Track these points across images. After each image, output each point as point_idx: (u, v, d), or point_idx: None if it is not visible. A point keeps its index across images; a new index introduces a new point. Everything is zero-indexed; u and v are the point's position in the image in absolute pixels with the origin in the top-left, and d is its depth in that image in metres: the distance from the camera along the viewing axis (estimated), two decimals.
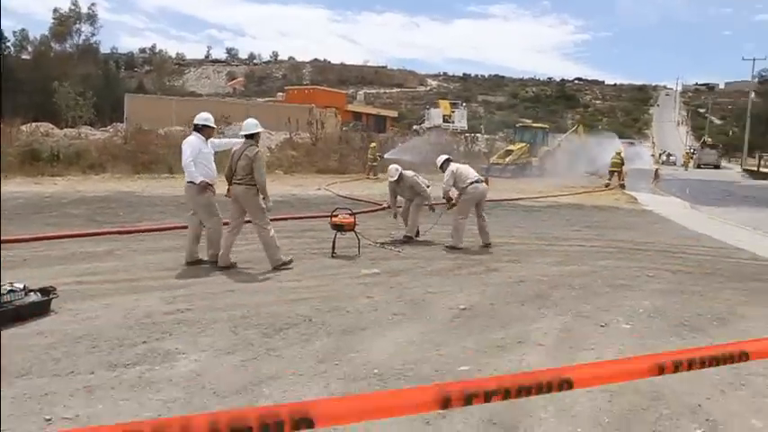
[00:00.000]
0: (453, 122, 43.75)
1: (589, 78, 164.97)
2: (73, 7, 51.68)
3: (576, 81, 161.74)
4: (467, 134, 42.26)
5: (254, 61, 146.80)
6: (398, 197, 10.17)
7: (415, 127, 45.49)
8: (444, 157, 9.98)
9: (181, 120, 30.76)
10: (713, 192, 25.52)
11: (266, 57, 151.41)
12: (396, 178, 9.76)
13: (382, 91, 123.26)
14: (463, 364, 4.39)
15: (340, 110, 44.82)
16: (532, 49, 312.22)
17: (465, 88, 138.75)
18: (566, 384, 1.67)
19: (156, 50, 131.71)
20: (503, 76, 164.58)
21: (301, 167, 27.58)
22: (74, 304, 5.52)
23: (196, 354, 4.40)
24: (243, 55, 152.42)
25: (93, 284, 6.24)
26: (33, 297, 5.20)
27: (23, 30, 73.54)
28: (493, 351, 4.72)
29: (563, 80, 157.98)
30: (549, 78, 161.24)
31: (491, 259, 8.45)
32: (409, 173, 9.98)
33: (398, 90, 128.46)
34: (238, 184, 7.21)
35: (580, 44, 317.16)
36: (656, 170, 35.09)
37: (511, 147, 32.75)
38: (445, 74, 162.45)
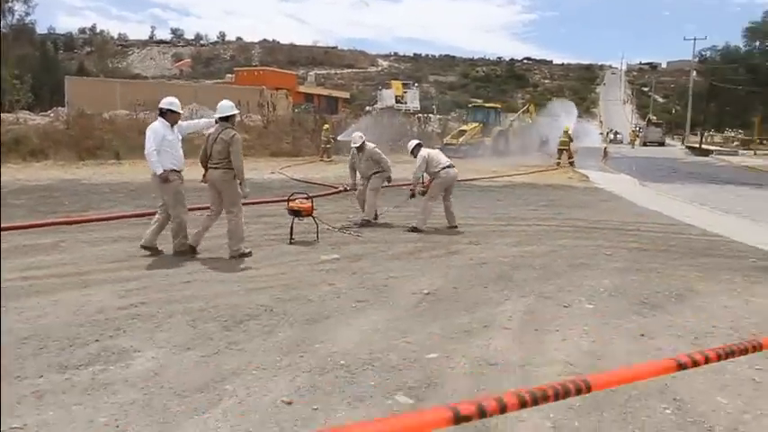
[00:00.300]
0: (406, 103, 43.66)
1: (537, 58, 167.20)
2: None
3: (525, 61, 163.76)
4: (419, 115, 42.29)
5: (201, 42, 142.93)
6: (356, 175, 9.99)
7: (367, 108, 45.16)
8: (415, 142, 9.91)
9: (125, 103, 29.78)
10: (659, 169, 26.25)
11: (213, 37, 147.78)
12: (358, 144, 9.63)
13: (333, 72, 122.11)
14: (431, 351, 4.32)
15: (291, 91, 44.13)
16: (481, 29, 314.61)
17: (416, 68, 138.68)
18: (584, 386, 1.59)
19: (97, 31, 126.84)
20: (453, 56, 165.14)
21: (254, 151, 26.99)
22: (18, 302, 5.20)
23: (153, 351, 4.20)
24: (189, 35, 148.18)
25: (39, 279, 5.91)
26: None
27: None
28: (459, 336, 4.67)
29: (512, 60, 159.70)
30: (499, 58, 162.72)
31: (451, 241, 8.43)
32: (371, 144, 9.81)
33: (349, 71, 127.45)
34: (215, 168, 7.01)
35: (528, 24, 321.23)
36: (605, 149, 35.86)
37: (464, 127, 32.91)
38: (396, 54, 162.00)
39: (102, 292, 5.59)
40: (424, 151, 9.46)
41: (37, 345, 4.27)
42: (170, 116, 7.10)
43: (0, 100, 26.60)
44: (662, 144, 55.31)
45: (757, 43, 54.81)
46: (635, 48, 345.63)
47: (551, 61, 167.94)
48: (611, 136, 63.63)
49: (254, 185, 11.62)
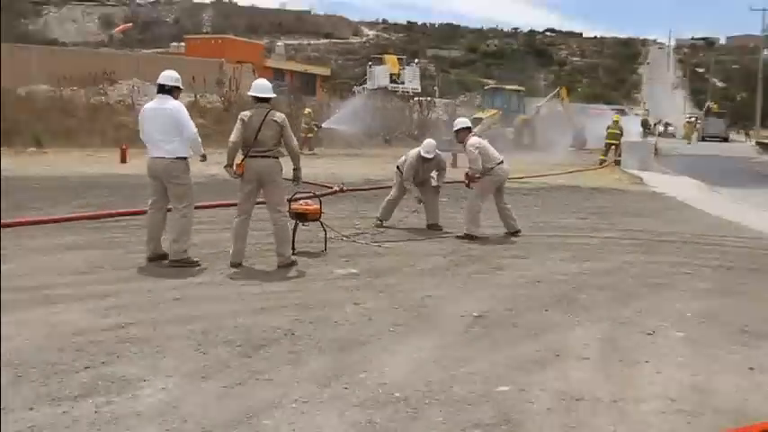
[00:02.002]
0: (403, 83, 44.04)
1: (564, 30, 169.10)
2: None
3: (549, 33, 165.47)
4: (420, 98, 42.68)
5: (137, 2, 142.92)
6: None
7: (355, 88, 45.52)
8: (465, 122, 10.23)
9: (45, 76, 29.62)
10: (728, 170, 26.84)
11: None
12: (432, 156, 10.24)
13: (306, 42, 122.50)
14: (499, 384, 4.53)
15: (257, 66, 44.34)
16: None
17: (410, 40, 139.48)
18: None
19: None
20: (457, 26, 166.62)
21: (212, 140, 27.07)
22: None
23: (161, 380, 4.37)
24: None
25: None
26: None
27: None
28: (529, 367, 4.89)
29: (532, 31, 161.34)
30: (515, 29, 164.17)
31: (492, 254, 8.70)
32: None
33: (327, 41, 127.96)
34: (264, 156, 7.47)
35: None
36: (655, 144, 36.49)
37: (479, 114, 33.35)
38: (385, 21, 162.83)
39: (73, 310, 5.76)
40: (475, 140, 9.80)
41: (13, 372, 4.43)
42: (175, 93, 7.62)
43: None
44: (725, 139, 56.22)
45: None
46: (686, 18, 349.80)
47: (580, 34, 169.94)
48: (660, 128, 64.60)
49: (224, 184, 11.85)
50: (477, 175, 9.70)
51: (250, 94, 7.81)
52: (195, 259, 7.57)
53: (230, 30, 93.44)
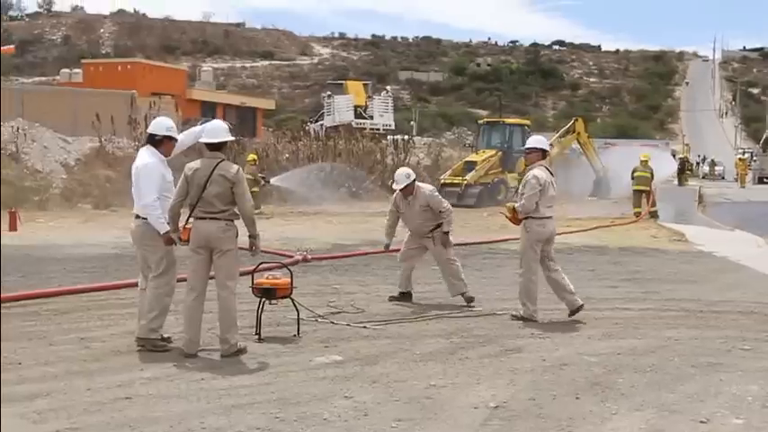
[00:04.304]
0: (371, 117, 45.00)
1: (577, 42, 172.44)
2: None
3: (557, 47, 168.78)
4: (395, 137, 43.46)
5: (11, 13, 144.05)
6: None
7: (309, 125, 46.36)
8: (541, 142, 10.77)
9: None
10: None
11: (32, 6, 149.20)
12: (403, 186, 10.92)
13: (239, 65, 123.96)
14: None
15: (179, 98, 45.15)
16: None
17: (377, 60, 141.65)
18: None
19: None
20: (437, 40, 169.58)
21: (124, 196, 27.54)
22: None
23: None
24: None
25: None
26: None
27: None
28: None
29: (535, 45, 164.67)
30: (513, 43, 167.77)
31: (505, 334, 9.31)
32: (426, 186, 11.36)
33: (267, 63, 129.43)
34: (211, 218, 7.99)
35: None
36: (699, 189, 37.57)
37: (473, 157, 34.22)
38: (343, 36, 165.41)
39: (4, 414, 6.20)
40: (541, 173, 10.13)
41: None
42: (166, 146, 8.36)
43: None
44: None
45: None
46: (735, 23, 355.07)
47: (598, 47, 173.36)
48: (705, 168, 66.16)
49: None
50: (521, 217, 10.18)
51: (203, 140, 8.34)
52: (165, 343, 8.23)
53: (139, 51, 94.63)
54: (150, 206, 8.09)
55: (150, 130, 8.45)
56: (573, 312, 10.21)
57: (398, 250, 11.54)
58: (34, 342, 8.59)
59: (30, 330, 9.18)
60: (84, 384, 7.05)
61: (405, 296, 11.34)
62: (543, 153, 10.54)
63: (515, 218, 10.29)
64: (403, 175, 11.03)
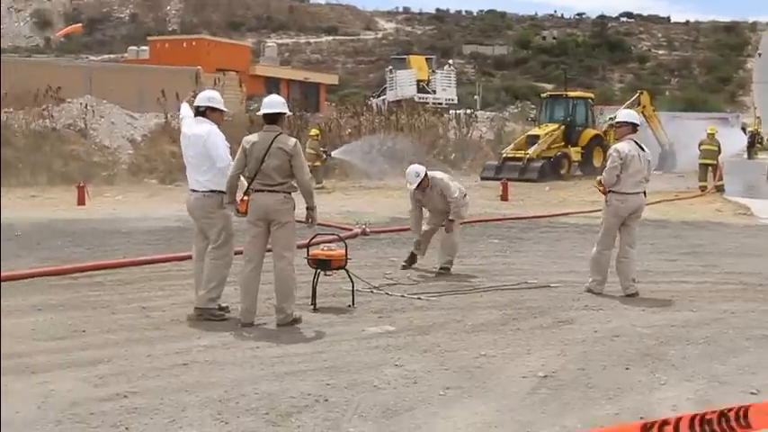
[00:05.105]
0: (434, 92, 44.94)
1: (645, 14, 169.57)
2: None
3: (624, 19, 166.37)
4: (458, 111, 43.40)
5: None
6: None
7: (371, 99, 46.47)
8: (629, 116, 10.74)
9: None
10: None
11: None
12: (415, 185, 11.15)
13: (304, 40, 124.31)
14: None
15: (243, 74, 45.50)
16: None
17: (441, 34, 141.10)
18: None
19: None
20: (502, 14, 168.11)
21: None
22: None
23: None
24: None
25: None
26: None
27: None
28: None
29: (602, 17, 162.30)
30: (579, 15, 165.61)
31: (558, 306, 9.39)
32: (438, 174, 11.51)
33: (331, 39, 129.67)
34: (271, 191, 8.18)
35: None
36: None
37: (535, 131, 34.03)
38: (407, 11, 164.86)
39: (63, 379, 6.47)
40: (625, 146, 10.05)
41: None
42: (217, 116, 8.61)
43: None
44: None
45: None
46: None
47: (667, 18, 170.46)
48: None
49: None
50: (602, 189, 10.19)
51: (260, 113, 8.56)
52: (222, 312, 8.50)
53: (204, 28, 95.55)
54: (230, 166, 8.31)
55: (197, 102, 8.68)
56: (631, 296, 10.14)
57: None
58: (98, 311, 8.88)
59: (94, 300, 9.49)
60: (144, 351, 7.32)
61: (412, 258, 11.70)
62: (633, 127, 10.47)
63: (604, 190, 10.28)
64: (413, 174, 11.23)
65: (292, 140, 8.33)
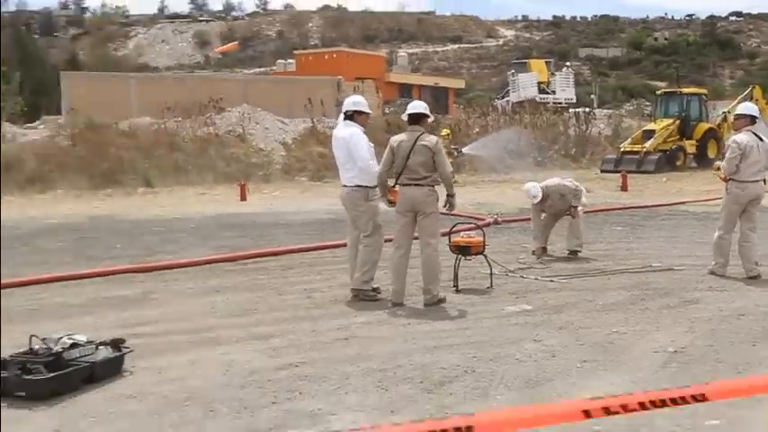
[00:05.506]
0: (554, 92, 44.52)
1: (754, 13, 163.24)
2: None
3: (734, 18, 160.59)
4: (576, 109, 42.96)
5: (234, 14, 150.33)
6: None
7: (496, 101, 46.38)
8: (748, 109, 10.46)
9: (144, 106, 31.55)
10: None
11: (250, 6, 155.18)
12: (539, 199, 11.22)
13: (431, 49, 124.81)
14: (708, 418, 5.12)
15: (379, 81, 45.99)
16: None
17: (558, 39, 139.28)
18: None
19: (85, 4, 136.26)
20: (615, 18, 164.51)
21: (334, 169, 28.55)
22: (147, 361, 6.43)
23: (349, 414, 5.25)
24: (215, 6, 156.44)
25: (154, 337, 7.18)
26: (105, 352, 6.11)
27: None
28: (739, 402, 5.42)
29: (712, 17, 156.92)
30: (689, 16, 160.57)
31: (683, 287, 9.22)
32: (553, 181, 11.53)
33: (456, 47, 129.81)
34: (417, 185, 8.35)
35: None
36: None
37: (651, 126, 33.38)
38: (526, 18, 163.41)
39: (242, 350, 6.79)
40: (743, 138, 9.76)
41: (204, 407, 5.42)
42: (363, 119, 8.87)
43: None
44: None
45: None
46: None
47: None
48: None
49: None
50: (722, 176, 9.96)
51: (406, 114, 8.79)
52: (375, 293, 8.69)
53: (342, 41, 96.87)
54: (369, 165, 8.53)
55: (345, 107, 8.99)
56: (749, 278, 9.86)
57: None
58: (266, 292, 9.21)
59: (262, 283, 9.85)
60: (309, 327, 7.58)
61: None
62: (752, 119, 10.17)
63: (725, 178, 10.02)
64: (532, 192, 11.20)
65: (434, 138, 8.50)
